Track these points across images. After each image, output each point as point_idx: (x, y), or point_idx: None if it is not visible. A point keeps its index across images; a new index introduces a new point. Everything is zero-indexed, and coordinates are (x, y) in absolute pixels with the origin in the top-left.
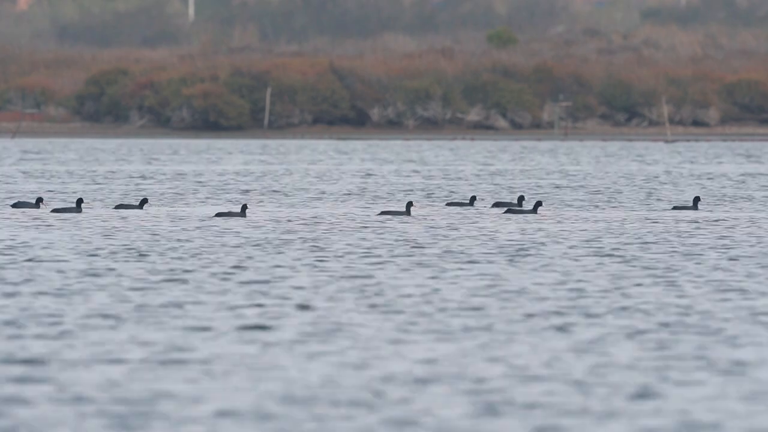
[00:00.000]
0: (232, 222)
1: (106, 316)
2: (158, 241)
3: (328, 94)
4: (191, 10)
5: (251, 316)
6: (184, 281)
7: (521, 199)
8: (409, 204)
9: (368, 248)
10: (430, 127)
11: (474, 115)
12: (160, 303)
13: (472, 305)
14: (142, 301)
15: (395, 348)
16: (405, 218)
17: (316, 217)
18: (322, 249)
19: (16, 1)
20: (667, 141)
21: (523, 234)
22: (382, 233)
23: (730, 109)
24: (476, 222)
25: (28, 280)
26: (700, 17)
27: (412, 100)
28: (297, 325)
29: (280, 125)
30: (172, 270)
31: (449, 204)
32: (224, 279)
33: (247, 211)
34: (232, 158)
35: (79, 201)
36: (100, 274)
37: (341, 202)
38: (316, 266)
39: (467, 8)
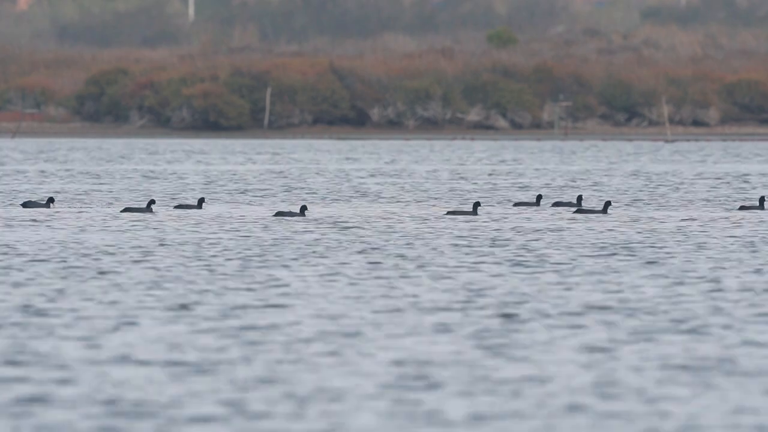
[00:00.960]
0: (294, 221)
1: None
2: (262, 242)
3: (328, 94)
4: (191, 10)
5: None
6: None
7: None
8: (477, 204)
9: (476, 251)
10: (430, 127)
11: (474, 115)
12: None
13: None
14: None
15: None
16: (472, 218)
17: (383, 218)
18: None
19: (16, 1)
20: (667, 141)
21: (627, 233)
22: (474, 233)
23: (730, 109)
24: (558, 222)
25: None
26: (700, 17)
27: (412, 100)
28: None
29: (280, 125)
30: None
31: (516, 204)
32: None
33: (306, 211)
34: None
35: (151, 202)
36: (255, 285)
37: (404, 202)
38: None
39: (467, 8)
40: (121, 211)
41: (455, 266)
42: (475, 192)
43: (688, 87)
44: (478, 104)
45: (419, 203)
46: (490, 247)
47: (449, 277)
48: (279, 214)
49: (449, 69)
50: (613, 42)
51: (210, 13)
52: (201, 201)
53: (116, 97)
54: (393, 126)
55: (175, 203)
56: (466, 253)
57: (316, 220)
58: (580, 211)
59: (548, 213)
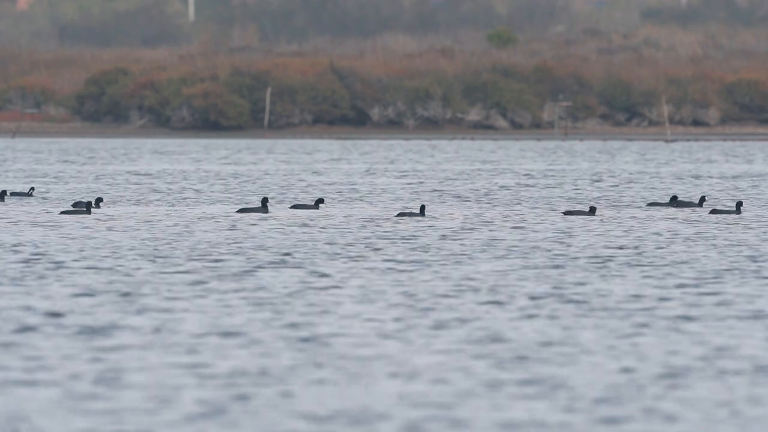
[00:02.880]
0: (415, 221)
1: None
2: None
3: (328, 94)
4: (191, 10)
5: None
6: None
7: (702, 199)
8: (593, 207)
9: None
10: (430, 127)
11: (474, 115)
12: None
13: None
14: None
15: None
16: (590, 218)
17: (499, 218)
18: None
19: (16, 1)
20: (667, 141)
21: None
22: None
23: (730, 109)
24: (703, 224)
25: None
26: (700, 17)
27: (412, 100)
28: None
29: (280, 125)
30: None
31: (650, 204)
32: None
33: (425, 210)
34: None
35: (265, 200)
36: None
37: (512, 203)
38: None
39: (467, 8)
40: (237, 212)
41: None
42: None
43: (688, 87)
44: (478, 104)
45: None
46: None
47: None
48: (401, 214)
49: (449, 69)
50: (613, 42)
51: (210, 13)
52: (319, 201)
53: (116, 97)
54: (393, 126)
55: (292, 203)
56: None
57: (436, 218)
58: (714, 211)
59: (693, 215)
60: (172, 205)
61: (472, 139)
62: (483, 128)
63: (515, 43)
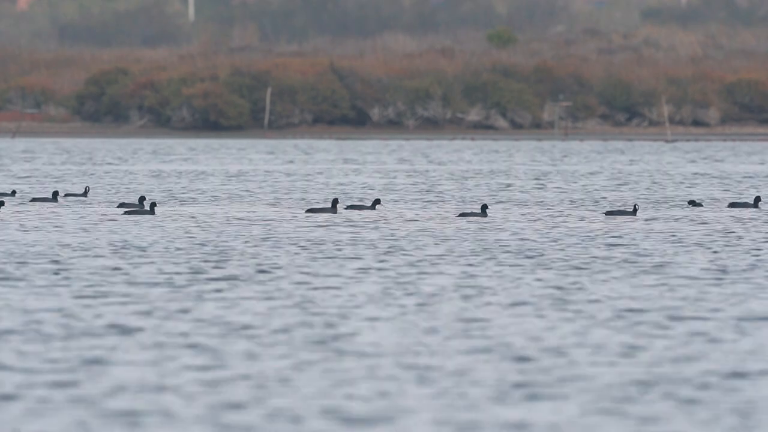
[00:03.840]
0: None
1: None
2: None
3: (328, 94)
4: (191, 10)
5: None
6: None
7: (757, 199)
8: (635, 207)
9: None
10: (430, 127)
11: (474, 115)
12: None
13: None
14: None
15: None
16: (631, 218)
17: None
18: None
19: (16, 1)
20: (667, 141)
21: None
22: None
23: (730, 109)
24: None
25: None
26: (700, 17)
27: (412, 100)
28: None
29: (280, 125)
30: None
31: (732, 205)
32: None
33: (487, 210)
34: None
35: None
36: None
37: (566, 204)
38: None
39: (467, 8)
40: (306, 211)
41: None
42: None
43: (688, 87)
44: (478, 104)
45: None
46: None
47: None
48: (463, 214)
49: (449, 69)
50: (613, 42)
51: (210, 13)
52: (376, 202)
53: (116, 97)
54: (393, 126)
55: (349, 204)
56: None
57: (500, 220)
58: None
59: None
60: (252, 204)
61: (472, 139)
62: (483, 128)
63: (515, 43)
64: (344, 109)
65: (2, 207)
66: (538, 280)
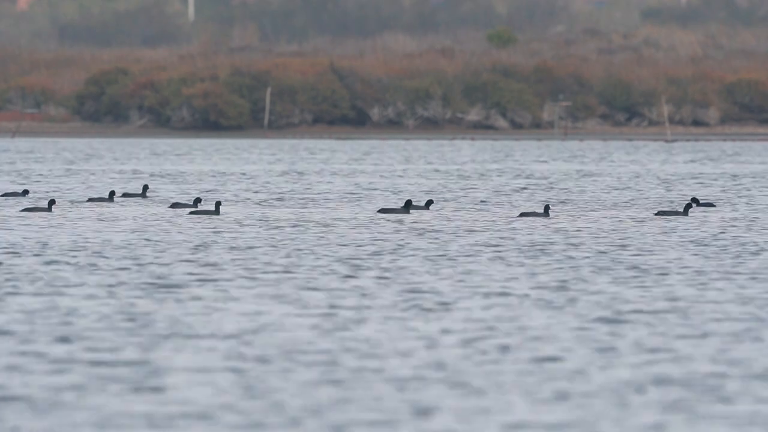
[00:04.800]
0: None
1: None
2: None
3: (328, 94)
4: (191, 10)
5: None
6: None
7: None
8: (688, 205)
9: None
10: (430, 126)
11: (474, 115)
12: None
13: None
14: None
15: None
16: (682, 218)
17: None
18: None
19: (16, 1)
20: (667, 141)
21: None
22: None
23: (730, 109)
24: None
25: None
26: (700, 17)
27: (412, 100)
28: None
29: (280, 125)
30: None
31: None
32: None
33: (550, 211)
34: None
35: (429, 202)
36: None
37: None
38: None
39: (467, 8)
40: (378, 212)
41: None
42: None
43: (688, 87)
44: (478, 104)
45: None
46: None
47: None
48: (524, 214)
49: (449, 69)
50: (613, 42)
51: (210, 13)
52: (429, 203)
53: (116, 97)
54: (393, 126)
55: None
56: None
57: (558, 218)
58: None
59: None
60: (336, 207)
61: (473, 139)
62: (483, 128)
63: (515, 43)
64: (344, 109)
65: (54, 206)
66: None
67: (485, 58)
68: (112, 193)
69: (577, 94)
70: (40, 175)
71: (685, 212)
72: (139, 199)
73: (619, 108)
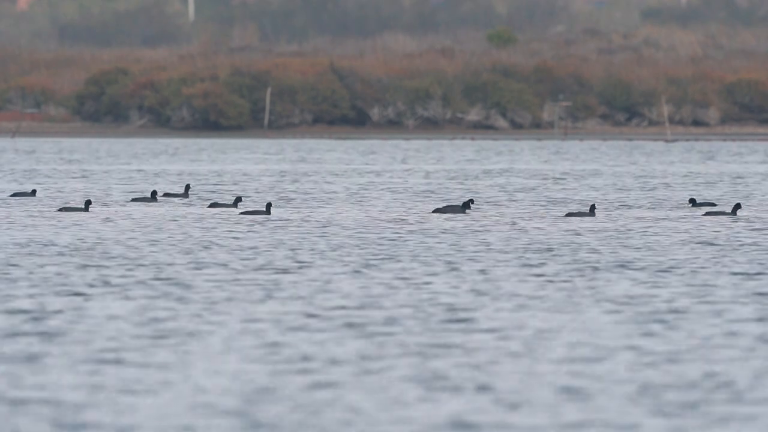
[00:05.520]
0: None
1: None
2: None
3: (328, 94)
4: (191, 10)
5: None
6: None
7: None
8: (737, 206)
9: None
10: (430, 126)
11: (474, 115)
12: None
13: None
14: None
15: None
16: (731, 218)
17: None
18: None
19: (16, 1)
20: (667, 141)
21: None
22: None
23: (730, 109)
24: None
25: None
26: (700, 17)
27: (412, 100)
28: None
29: (280, 125)
30: None
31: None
32: None
33: (595, 211)
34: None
35: (469, 202)
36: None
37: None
38: None
39: (467, 8)
40: (433, 211)
41: None
42: None
43: (688, 87)
44: (478, 104)
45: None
46: None
47: None
48: (570, 215)
49: (449, 69)
50: (613, 42)
51: (210, 13)
52: (469, 202)
53: (116, 97)
54: (393, 126)
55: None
56: None
57: (604, 218)
58: None
59: None
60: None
61: (472, 139)
62: (483, 128)
63: (515, 43)
64: (344, 109)
65: (90, 206)
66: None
67: (485, 58)
68: (154, 193)
69: (577, 94)
70: (89, 172)
71: (734, 212)
72: (183, 199)
73: (619, 108)
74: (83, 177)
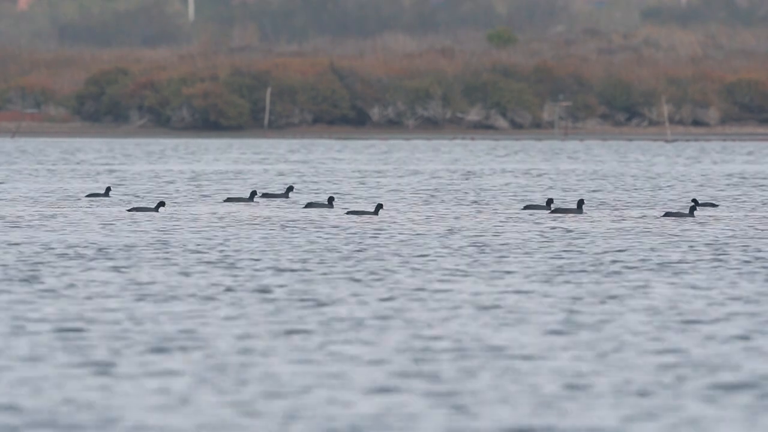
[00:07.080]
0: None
1: None
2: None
3: (328, 93)
4: (191, 10)
5: None
6: None
7: None
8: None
9: None
10: (430, 126)
11: (474, 114)
12: None
13: None
14: None
15: None
16: None
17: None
18: None
19: (16, 1)
20: (667, 141)
21: None
22: None
23: (730, 109)
24: None
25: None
26: (700, 17)
27: (412, 99)
28: None
29: (280, 125)
30: None
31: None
32: None
33: (695, 211)
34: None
35: (581, 202)
36: None
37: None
38: None
39: (467, 8)
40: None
41: None
42: None
43: (688, 87)
44: (478, 104)
45: None
46: None
47: None
48: (668, 214)
49: (449, 69)
50: (613, 42)
51: (210, 13)
52: (550, 201)
53: (116, 97)
54: (393, 126)
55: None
56: None
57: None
58: None
59: None
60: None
61: (473, 138)
62: (483, 128)
63: (515, 43)
64: (344, 109)
65: (162, 207)
66: None
67: (485, 58)
68: (253, 193)
69: (577, 94)
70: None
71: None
72: (282, 200)
73: (619, 108)
74: (155, 177)
